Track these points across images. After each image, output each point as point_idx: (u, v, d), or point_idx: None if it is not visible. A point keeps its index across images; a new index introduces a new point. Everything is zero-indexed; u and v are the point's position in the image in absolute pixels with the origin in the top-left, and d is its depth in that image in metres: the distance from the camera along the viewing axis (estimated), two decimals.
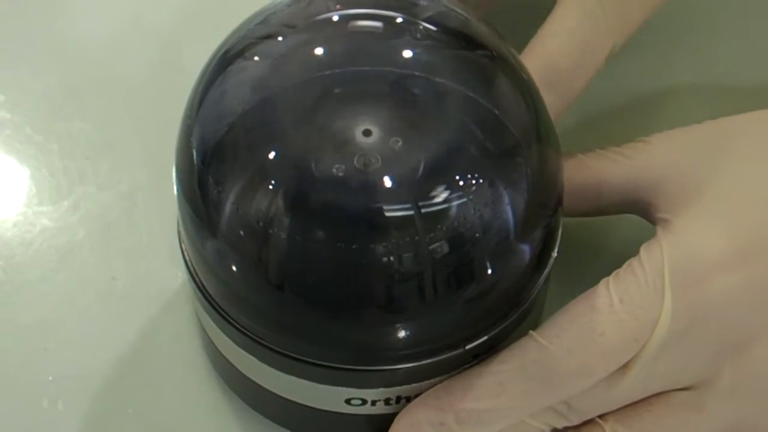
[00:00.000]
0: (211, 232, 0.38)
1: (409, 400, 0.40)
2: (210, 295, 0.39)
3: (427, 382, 0.39)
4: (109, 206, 0.49)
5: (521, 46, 0.41)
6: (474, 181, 0.36)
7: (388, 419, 0.40)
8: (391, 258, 0.36)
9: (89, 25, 0.54)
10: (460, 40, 0.39)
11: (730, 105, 0.45)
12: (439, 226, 0.36)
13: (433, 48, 0.39)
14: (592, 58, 0.44)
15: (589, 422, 0.41)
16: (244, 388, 0.43)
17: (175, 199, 0.39)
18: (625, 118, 0.51)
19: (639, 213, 0.43)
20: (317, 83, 0.38)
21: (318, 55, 0.38)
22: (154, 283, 0.47)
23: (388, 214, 0.36)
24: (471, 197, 0.36)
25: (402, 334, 0.38)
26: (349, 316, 0.37)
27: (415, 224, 0.36)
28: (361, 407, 0.40)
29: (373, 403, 0.40)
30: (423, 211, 0.36)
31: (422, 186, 0.36)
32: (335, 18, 0.39)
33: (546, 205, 0.39)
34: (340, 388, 0.39)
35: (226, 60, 0.39)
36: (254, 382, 0.41)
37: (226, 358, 0.42)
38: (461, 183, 0.36)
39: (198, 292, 0.40)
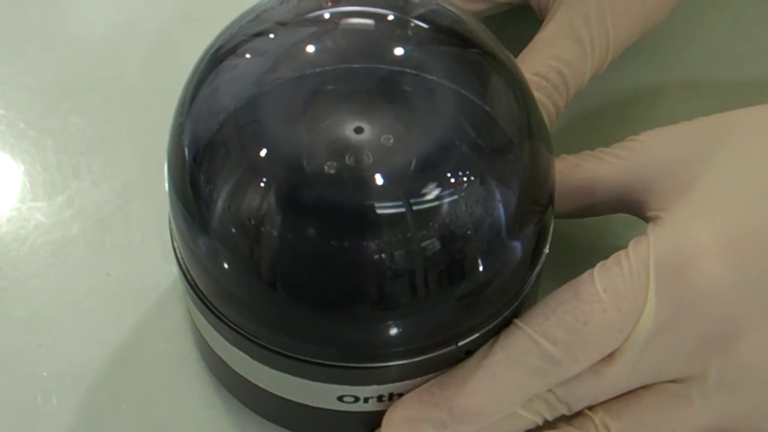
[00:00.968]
0: (203, 229, 0.38)
1: (401, 397, 0.40)
2: (202, 293, 0.39)
3: (419, 378, 0.39)
4: (104, 202, 0.49)
5: (512, 52, 0.41)
6: (465, 178, 0.37)
7: (381, 416, 0.40)
8: (383, 255, 0.36)
9: (84, 22, 0.54)
10: (451, 37, 0.39)
11: (721, 102, 0.46)
12: (430, 223, 0.36)
13: (425, 45, 0.39)
14: (576, 78, 0.45)
15: (579, 414, 0.41)
16: (236, 386, 0.43)
17: (167, 198, 0.39)
18: (617, 115, 0.51)
19: (632, 212, 0.43)
20: (308, 80, 0.38)
21: (309, 53, 0.38)
22: (148, 279, 0.47)
23: (379, 211, 0.36)
24: (462, 194, 0.36)
25: (394, 331, 0.38)
26: (341, 313, 0.37)
27: (407, 221, 0.36)
28: (354, 404, 0.40)
29: (366, 400, 0.40)
30: (415, 208, 0.36)
31: (414, 183, 0.36)
32: (327, 15, 0.39)
33: (538, 201, 0.39)
34: (332, 385, 0.39)
35: (217, 57, 0.39)
36: (246, 380, 0.41)
37: (218, 356, 0.42)
38: (453, 180, 0.36)
39: (190, 289, 0.40)
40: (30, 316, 0.47)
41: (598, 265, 0.40)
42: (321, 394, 0.40)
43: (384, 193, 0.36)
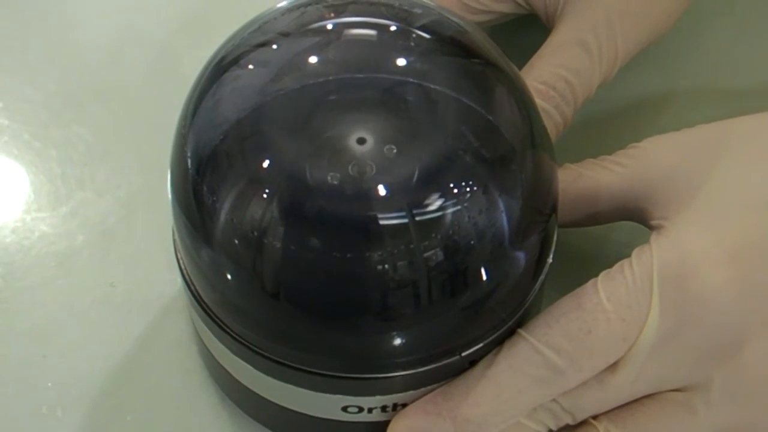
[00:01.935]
0: (206, 241, 0.38)
1: (405, 407, 0.40)
2: (205, 304, 0.40)
3: (423, 389, 0.39)
4: (107, 212, 0.49)
5: (517, 61, 0.41)
6: (469, 189, 0.37)
7: (385, 426, 0.40)
8: (386, 266, 0.36)
9: (87, 33, 0.55)
10: (454, 47, 0.39)
11: (726, 109, 0.46)
12: (434, 234, 0.36)
13: (428, 56, 0.39)
14: (584, 87, 0.45)
15: (583, 423, 0.41)
16: (240, 396, 0.43)
17: (170, 209, 0.39)
18: (621, 123, 0.51)
19: (635, 220, 0.43)
20: (311, 91, 0.38)
21: (312, 64, 0.38)
22: (152, 289, 0.47)
23: (382, 222, 0.36)
24: (466, 205, 0.36)
25: (398, 341, 0.38)
26: (344, 324, 0.37)
27: (410, 232, 0.36)
28: (358, 415, 0.40)
29: (370, 410, 0.40)
30: (418, 218, 0.36)
31: (417, 194, 0.36)
32: (329, 26, 0.39)
33: (541, 211, 0.39)
34: (336, 396, 0.39)
35: (219, 68, 0.39)
36: (250, 390, 0.41)
37: (222, 366, 0.42)
38: (456, 190, 0.36)
39: (193, 300, 0.40)
40: (34, 326, 0.47)
41: (602, 274, 0.40)
42: (325, 405, 0.40)
43: (387, 204, 0.36)
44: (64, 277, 0.48)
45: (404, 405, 0.40)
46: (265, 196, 0.36)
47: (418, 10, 0.39)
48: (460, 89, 0.38)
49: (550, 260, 0.40)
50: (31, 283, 0.48)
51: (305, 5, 0.40)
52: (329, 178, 0.36)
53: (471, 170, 0.37)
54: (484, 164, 0.37)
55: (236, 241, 0.37)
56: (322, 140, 0.37)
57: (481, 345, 0.39)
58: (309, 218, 0.36)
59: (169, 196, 0.39)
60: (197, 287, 0.40)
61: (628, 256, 0.40)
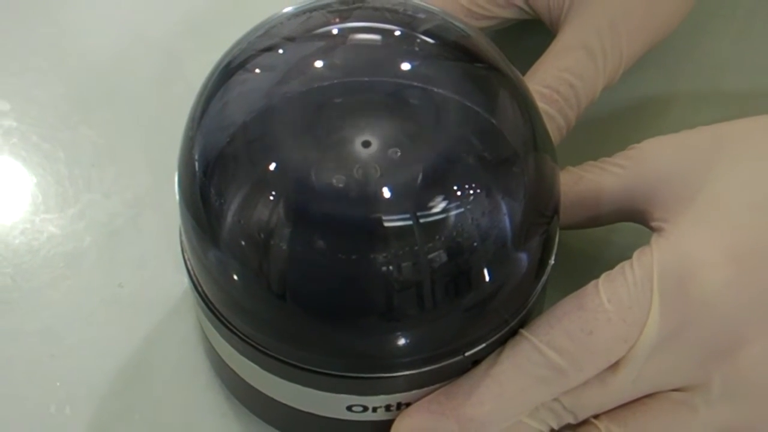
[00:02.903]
0: (213, 242, 0.38)
1: (409, 406, 0.40)
2: (212, 304, 0.40)
3: (427, 388, 0.40)
4: (115, 214, 0.50)
5: (517, 64, 0.42)
6: (472, 191, 0.37)
7: (389, 425, 0.41)
8: (391, 267, 0.36)
9: (95, 36, 0.55)
10: (457, 52, 0.40)
11: (727, 111, 0.46)
12: (438, 236, 0.37)
13: (432, 60, 0.39)
14: (588, 91, 0.46)
15: (585, 422, 0.41)
16: (246, 395, 0.43)
17: (178, 209, 0.40)
18: (622, 125, 0.51)
19: (636, 221, 0.43)
20: (317, 95, 0.38)
21: (318, 68, 0.39)
22: (160, 290, 0.48)
23: (387, 224, 0.36)
24: (469, 207, 0.37)
25: (402, 342, 0.38)
26: (350, 324, 0.38)
27: (415, 234, 0.36)
28: (363, 414, 0.40)
29: (374, 409, 0.40)
30: (422, 220, 0.37)
31: (421, 196, 0.37)
32: (335, 31, 0.39)
33: (543, 213, 0.39)
34: (341, 395, 0.40)
35: (227, 72, 0.39)
36: (257, 389, 0.42)
37: (228, 366, 0.42)
38: (460, 193, 0.37)
39: (200, 300, 0.40)
40: (43, 327, 0.47)
41: (603, 275, 0.41)
42: (330, 404, 0.40)
43: (391, 206, 0.37)
44: (73, 277, 0.48)
45: (408, 404, 0.40)
46: (271, 198, 0.37)
47: (422, 15, 0.40)
48: (463, 93, 0.39)
49: (552, 261, 0.41)
50: (39, 283, 0.48)
51: (311, 10, 0.40)
52: (335, 180, 0.37)
53: (474, 173, 0.37)
54: (488, 167, 0.38)
55: (243, 243, 0.37)
56: (327, 143, 0.37)
57: (484, 345, 0.39)
58: (314, 220, 0.37)
59: (177, 198, 0.40)
60: (204, 288, 0.40)
61: (629, 257, 0.41)
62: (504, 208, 0.38)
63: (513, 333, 0.40)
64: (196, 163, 0.39)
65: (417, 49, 0.39)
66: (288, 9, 0.41)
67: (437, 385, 0.40)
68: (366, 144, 0.37)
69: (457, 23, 0.41)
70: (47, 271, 0.49)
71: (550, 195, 0.40)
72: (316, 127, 0.38)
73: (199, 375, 0.46)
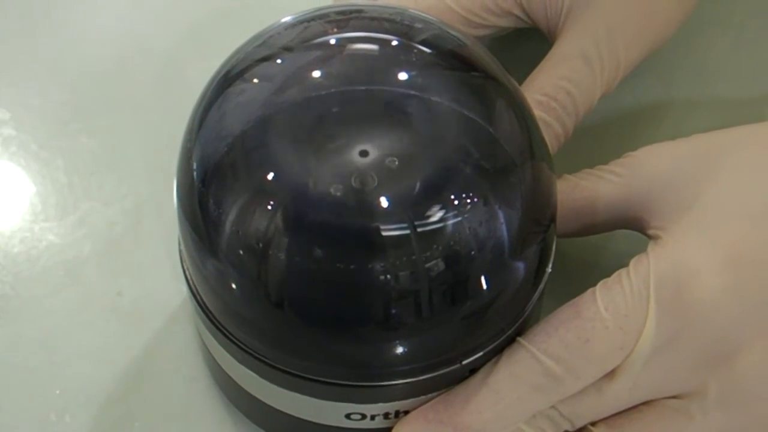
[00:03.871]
0: (212, 251, 0.38)
1: (407, 414, 0.40)
2: (211, 313, 0.40)
3: (424, 396, 0.40)
4: (114, 222, 0.50)
5: (515, 72, 0.42)
6: (470, 200, 0.37)
7: None
8: (389, 276, 0.37)
9: (94, 44, 0.55)
10: (454, 61, 0.40)
11: (723, 119, 0.46)
12: (435, 245, 0.37)
13: (429, 69, 0.39)
14: (585, 99, 0.46)
15: (582, 429, 0.42)
16: (245, 403, 0.44)
17: (176, 219, 0.40)
18: (619, 133, 0.51)
19: (632, 228, 0.43)
20: (314, 105, 0.38)
21: (315, 77, 0.39)
22: (159, 298, 0.48)
23: (385, 233, 0.37)
24: (467, 216, 0.37)
25: (400, 350, 0.38)
26: (348, 333, 0.38)
27: (412, 243, 0.37)
28: (361, 422, 0.40)
29: (373, 417, 0.40)
30: (419, 230, 0.37)
31: (419, 205, 0.37)
32: (332, 41, 0.40)
33: (540, 221, 0.40)
34: (340, 403, 0.40)
35: (225, 82, 0.40)
36: (255, 397, 0.42)
37: (227, 374, 0.42)
38: (457, 202, 0.37)
39: (199, 309, 0.41)
40: (42, 335, 0.47)
41: (600, 283, 0.41)
42: (328, 412, 0.40)
43: (389, 215, 0.37)
44: (72, 286, 0.48)
45: (406, 412, 0.40)
46: (269, 207, 0.37)
47: (419, 25, 0.40)
48: (460, 102, 0.39)
49: (549, 270, 0.41)
50: (39, 292, 0.48)
51: (309, 20, 0.40)
52: (332, 190, 0.37)
53: (471, 182, 0.38)
54: (485, 176, 0.38)
55: (241, 252, 0.38)
56: (325, 153, 0.38)
57: (481, 353, 0.40)
58: (312, 229, 0.37)
59: (176, 207, 0.40)
60: (203, 296, 0.40)
61: (626, 265, 0.41)
62: (501, 217, 0.38)
63: (510, 341, 0.40)
64: (195, 173, 0.39)
65: (414, 58, 0.39)
66: (286, 19, 0.41)
67: (435, 393, 0.40)
68: (363, 153, 0.37)
69: (453, 32, 0.41)
70: (46, 279, 0.49)
71: (547, 203, 0.40)
72: (314, 137, 0.38)
73: (197, 383, 0.46)
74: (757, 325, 0.40)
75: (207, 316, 0.40)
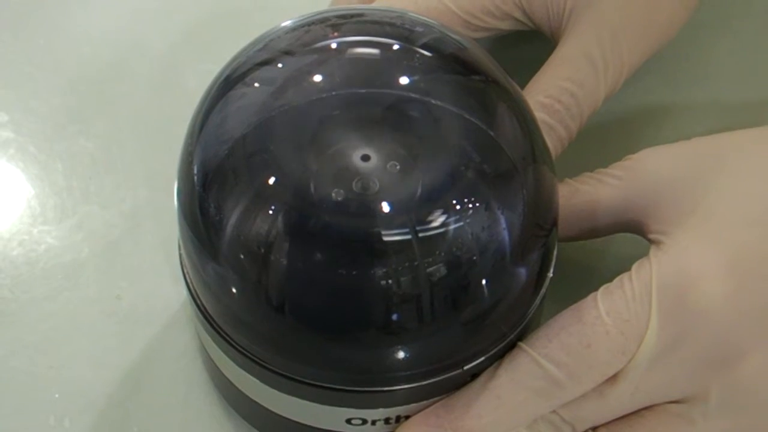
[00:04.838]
0: (212, 255, 0.38)
1: (408, 419, 0.40)
2: (211, 317, 0.40)
3: (426, 401, 0.40)
4: (113, 225, 0.50)
5: (517, 74, 0.42)
6: (471, 205, 0.37)
7: None
8: (390, 281, 0.37)
9: (93, 47, 0.55)
10: (456, 65, 0.40)
11: (724, 122, 0.46)
12: (437, 250, 0.37)
13: (430, 73, 0.39)
14: (590, 100, 0.45)
15: None
16: (245, 407, 0.44)
17: (176, 221, 0.40)
18: (620, 136, 0.51)
19: (634, 232, 0.43)
20: (315, 109, 0.38)
21: (316, 81, 0.39)
22: (158, 301, 0.48)
23: (386, 237, 0.37)
24: (468, 221, 0.37)
25: (402, 355, 0.38)
26: (349, 338, 0.38)
27: (414, 248, 0.37)
28: (362, 427, 0.40)
29: (373, 422, 0.40)
30: (421, 234, 0.37)
31: (420, 210, 0.37)
32: (333, 45, 0.39)
33: (542, 226, 0.40)
34: (340, 408, 0.40)
35: (225, 86, 0.39)
36: (256, 402, 0.42)
37: (227, 378, 0.42)
38: (458, 206, 0.37)
39: (199, 313, 0.40)
40: (41, 338, 0.47)
41: (602, 288, 0.41)
42: (329, 417, 0.40)
43: (390, 220, 0.37)
44: (71, 289, 0.48)
45: (407, 417, 0.40)
46: (270, 212, 0.37)
47: (419, 29, 0.40)
48: (462, 106, 0.39)
49: (550, 274, 0.41)
50: (37, 295, 0.48)
51: (309, 24, 0.40)
52: (333, 194, 0.37)
53: (473, 186, 0.38)
54: (487, 180, 0.38)
55: (242, 256, 0.37)
56: (326, 157, 0.37)
57: (482, 358, 0.40)
58: (313, 234, 0.37)
59: (176, 211, 0.40)
60: (203, 300, 0.40)
61: (627, 269, 0.41)
62: (503, 222, 0.38)
63: (511, 346, 0.40)
64: (196, 177, 0.39)
65: (415, 62, 0.39)
66: (287, 22, 0.41)
67: (436, 398, 0.40)
68: (365, 158, 0.37)
69: (454, 36, 0.41)
70: (45, 282, 0.49)
71: (549, 208, 0.40)
72: (315, 141, 0.38)
73: (197, 387, 0.46)
74: (758, 330, 0.40)
75: (207, 320, 0.40)
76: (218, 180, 0.38)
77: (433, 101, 0.38)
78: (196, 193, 0.39)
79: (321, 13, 0.41)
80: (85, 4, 0.56)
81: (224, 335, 0.40)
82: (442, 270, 0.37)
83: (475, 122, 0.39)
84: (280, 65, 0.40)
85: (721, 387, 0.40)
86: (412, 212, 0.37)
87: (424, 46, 0.40)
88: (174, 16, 0.56)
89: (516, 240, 0.38)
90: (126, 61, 0.54)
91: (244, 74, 0.40)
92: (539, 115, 0.44)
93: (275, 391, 0.40)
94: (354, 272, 0.37)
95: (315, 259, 0.37)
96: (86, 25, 0.56)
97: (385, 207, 0.37)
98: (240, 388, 0.42)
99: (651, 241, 0.42)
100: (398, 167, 0.37)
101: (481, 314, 0.38)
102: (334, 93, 0.39)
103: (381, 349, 0.38)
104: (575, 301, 0.41)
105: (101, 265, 0.49)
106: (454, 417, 0.40)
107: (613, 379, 0.40)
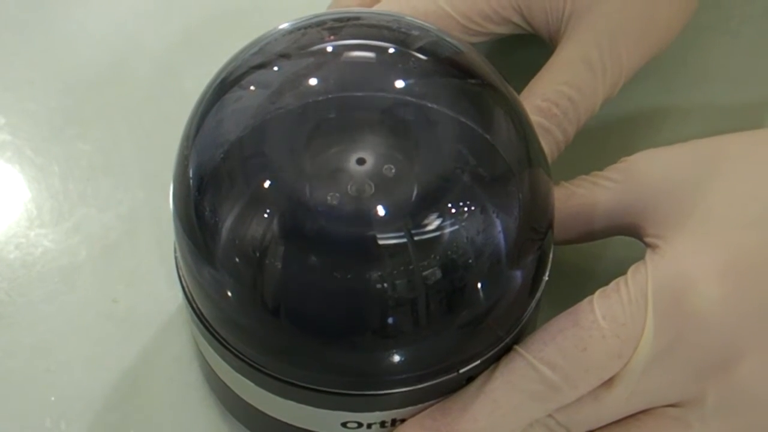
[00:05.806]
0: (208, 259, 0.38)
1: (403, 422, 0.40)
2: (207, 320, 0.40)
3: (421, 405, 0.40)
4: (110, 228, 0.50)
5: (515, 78, 0.42)
6: (467, 208, 0.37)
7: None
8: (386, 285, 0.37)
9: (90, 49, 0.55)
10: (452, 68, 0.40)
11: (721, 125, 0.46)
12: (432, 253, 0.37)
13: (426, 77, 0.39)
14: (587, 104, 0.45)
15: None
16: (241, 411, 0.44)
17: (172, 225, 0.40)
18: (616, 138, 0.51)
19: (630, 234, 0.43)
20: (311, 112, 0.38)
21: (312, 85, 0.39)
22: (154, 305, 0.48)
23: (381, 241, 0.37)
24: (464, 224, 0.37)
25: (397, 359, 0.38)
26: (345, 342, 0.38)
27: (409, 251, 0.37)
28: (357, 430, 0.40)
29: (369, 426, 0.40)
30: (416, 238, 0.37)
31: (416, 213, 0.37)
32: (329, 48, 0.39)
33: (538, 229, 0.40)
34: (336, 411, 0.40)
35: (221, 89, 0.39)
36: (251, 405, 0.42)
37: (223, 382, 0.42)
38: (454, 210, 0.37)
39: (195, 317, 0.40)
40: (38, 341, 0.47)
41: (598, 292, 0.41)
42: (325, 421, 0.40)
43: (386, 223, 0.37)
44: (67, 292, 0.48)
45: (403, 420, 0.40)
46: (265, 215, 0.37)
47: (416, 32, 0.40)
48: (457, 110, 0.39)
49: (546, 278, 0.41)
50: (34, 298, 0.48)
51: (306, 27, 0.40)
52: (329, 198, 0.37)
53: (469, 190, 0.37)
54: (482, 184, 0.38)
55: (237, 260, 0.37)
56: (321, 160, 0.37)
57: (478, 362, 0.40)
58: (308, 237, 0.37)
59: (172, 214, 0.40)
60: (198, 304, 0.40)
61: (624, 272, 0.41)
62: (498, 225, 0.38)
63: (507, 349, 0.40)
64: (191, 181, 0.39)
65: (411, 65, 0.39)
66: (283, 25, 0.41)
67: (432, 402, 0.40)
68: (360, 161, 0.37)
69: (450, 40, 0.41)
70: (42, 285, 0.49)
71: (545, 211, 0.40)
72: (311, 144, 0.38)
73: (193, 390, 0.46)
74: (755, 334, 0.40)
75: (203, 323, 0.40)
76: (213, 183, 0.38)
77: (428, 105, 0.38)
78: (192, 197, 0.39)
79: (318, 16, 0.41)
80: (82, 6, 0.56)
81: (220, 338, 0.40)
82: (438, 273, 0.37)
83: (470, 126, 0.39)
84: (276, 68, 0.40)
85: (717, 390, 0.40)
86: (408, 216, 0.37)
87: (421, 50, 0.40)
88: (172, 19, 0.56)
89: (512, 243, 0.38)
90: (123, 64, 0.54)
91: (240, 77, 0.40)
92: (536, 118, 0.44)
93: (271, 395, 0.40)
94: (349, 276, 0.37)
95: (310, 263, 0.37)
96: (83, 28, 0.56)
97: (381, 210, 0.37)
98: (236, 391, 0.42)
99: (647, 244, 0.42)
100: (394, 171, 0.37)
101: (476, 317, 0.38)
102: (330, 96, 0.38)
103: (376, 353, 0.38)
104: (571, 305, 0.41)
105: (98, 268, 0.49)
106: (450, 420, 0.40)
107: (609, 382, 0.40)
